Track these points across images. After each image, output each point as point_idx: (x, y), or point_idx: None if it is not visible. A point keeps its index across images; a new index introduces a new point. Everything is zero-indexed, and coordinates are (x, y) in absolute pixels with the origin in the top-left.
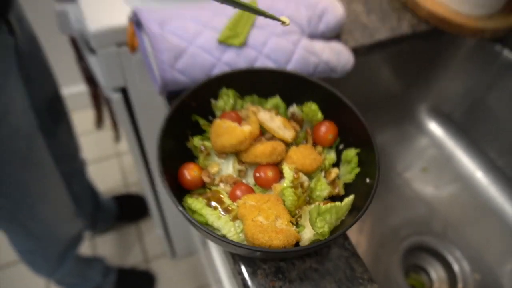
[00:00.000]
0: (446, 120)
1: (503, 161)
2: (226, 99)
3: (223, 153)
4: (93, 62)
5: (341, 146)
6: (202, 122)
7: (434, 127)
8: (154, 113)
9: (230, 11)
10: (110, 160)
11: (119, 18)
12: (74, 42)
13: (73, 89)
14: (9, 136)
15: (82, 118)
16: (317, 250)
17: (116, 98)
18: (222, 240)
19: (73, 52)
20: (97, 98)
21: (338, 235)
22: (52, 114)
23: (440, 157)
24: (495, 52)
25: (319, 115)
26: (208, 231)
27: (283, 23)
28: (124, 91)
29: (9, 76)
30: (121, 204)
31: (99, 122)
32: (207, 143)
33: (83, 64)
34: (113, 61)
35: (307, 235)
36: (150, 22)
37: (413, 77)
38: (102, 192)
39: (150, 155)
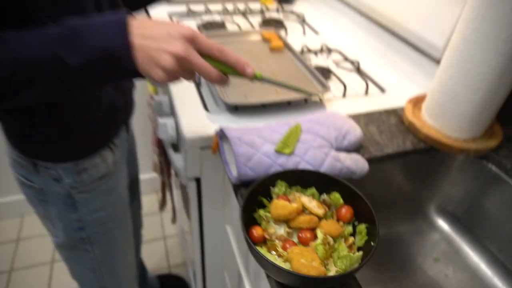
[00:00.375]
0: (452, 218)
1: (503, 256)
2: (280, 188)
3: (278, 221)
4: (176, 158)
5: (356, 223)
6: (264, 201)
7: (442, 224)
8: (216, 198)
9: (283, 131)
10: (157, 242)
11: (206, 130)
12: (159, 142)
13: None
14: (116, 201)
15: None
16: None
17: (191, 185)
18: (280, 268)
19: (157, 149)
20: (164, 185)
21: (351, 271)
22: (132, 191)
23: (449, 250)
24: (482, 166)
25: (341, 201)
26: (271, 262)
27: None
28: (197, 180)
29: (123, 161)
30: (164, 283)
31: (162, 205)
32: (268, 214)
33: (161, 158)
34: (195, 159)
35: (332, 274)
36: (233, 136)
37: (420, 181)
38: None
39: (206, 235)
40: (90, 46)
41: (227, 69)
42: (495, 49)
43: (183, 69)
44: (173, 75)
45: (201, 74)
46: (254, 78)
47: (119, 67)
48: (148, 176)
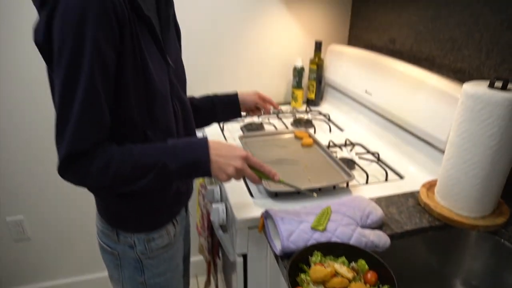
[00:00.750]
0: None
1: None
2: (316, 257)
3: (316, 283)
4: (225, 238)
5: (380, 285)
6: (304, 267)
7: None
8: (260, 271)
9: (317, 212)
10: None
11: (252, 213)
12: (209, 225)
13: None
14: (173, 269)
15: None
16: None
17: (239, 260)
18: None
19: (206, 231)
20: (210, 265)
21: None
22: (184, 265)
23: None
24: (496, 241)
25: (366, 267)
26: None
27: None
28: (244, 256)
29: (181, 235)
30: None
31: (207, 284)
32: (307, 277)
33: (209, 239)
34: (243, 237)
35: None
36: (276, 216)
37: (442, 256)
38: None
39: None
40: (184, 157)
41: (263, 176)
42: (483, 144)
43: (239, 175)
44: (231, 178)
45: (248, 178)
46: (279, 181)
47: (200, 171)
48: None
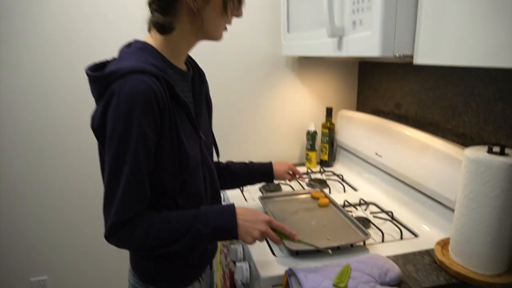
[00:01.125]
0: None
1: None
2: None
3: None
4: None
5: None
6: None
7: None
8: None
9: (337, 270)
10: None
11: (275, 271)
12: (232, 284)
13: None
14: None
15: None
16: None
17: None
18: None
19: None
20: None
21: None
22: None
23: None
24: None
25: None
26: None
27: (329, 252)
28: None
29: None
30: None
31: None
32: None
33: None
34: None
35: None
36: (300, 274)
37: None
38: None
39: None
40: (215, 223)
41: (284, 237)
42: (489, 204)
43: (262, 237)
44: (256, 240)
45: (270, 239)
46: (298, 241)
47: (229, 235)
48: None
